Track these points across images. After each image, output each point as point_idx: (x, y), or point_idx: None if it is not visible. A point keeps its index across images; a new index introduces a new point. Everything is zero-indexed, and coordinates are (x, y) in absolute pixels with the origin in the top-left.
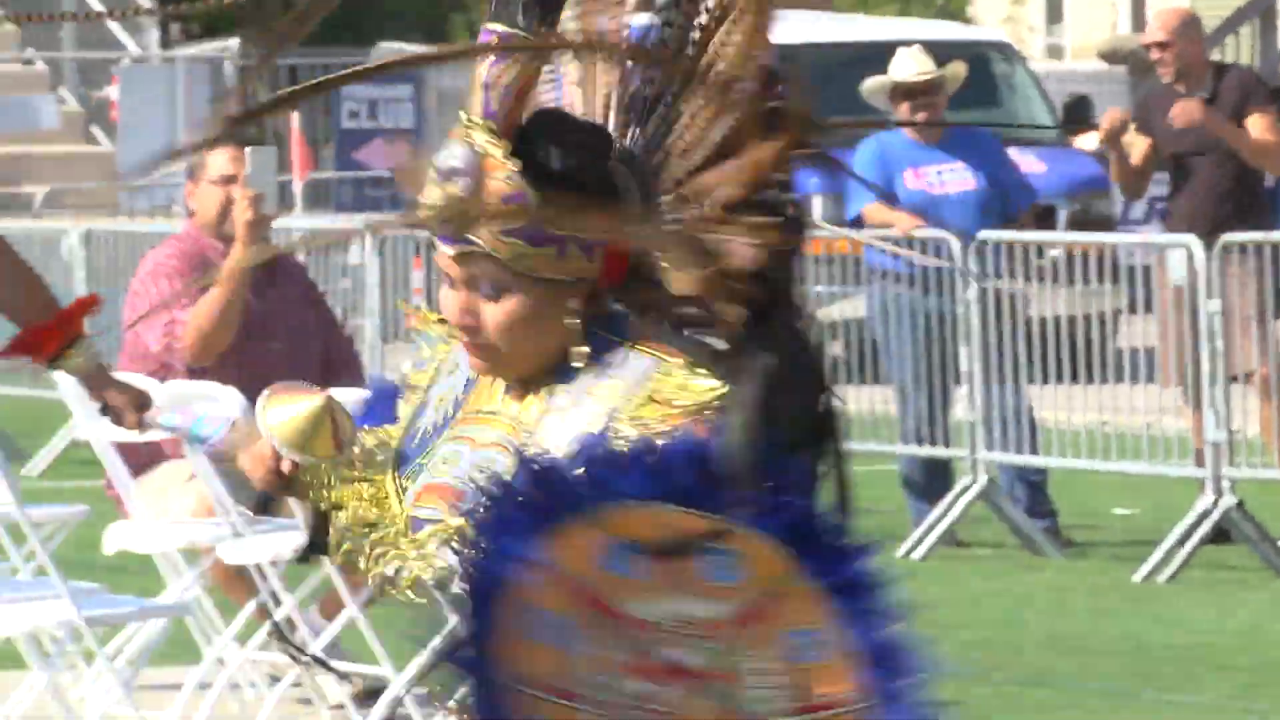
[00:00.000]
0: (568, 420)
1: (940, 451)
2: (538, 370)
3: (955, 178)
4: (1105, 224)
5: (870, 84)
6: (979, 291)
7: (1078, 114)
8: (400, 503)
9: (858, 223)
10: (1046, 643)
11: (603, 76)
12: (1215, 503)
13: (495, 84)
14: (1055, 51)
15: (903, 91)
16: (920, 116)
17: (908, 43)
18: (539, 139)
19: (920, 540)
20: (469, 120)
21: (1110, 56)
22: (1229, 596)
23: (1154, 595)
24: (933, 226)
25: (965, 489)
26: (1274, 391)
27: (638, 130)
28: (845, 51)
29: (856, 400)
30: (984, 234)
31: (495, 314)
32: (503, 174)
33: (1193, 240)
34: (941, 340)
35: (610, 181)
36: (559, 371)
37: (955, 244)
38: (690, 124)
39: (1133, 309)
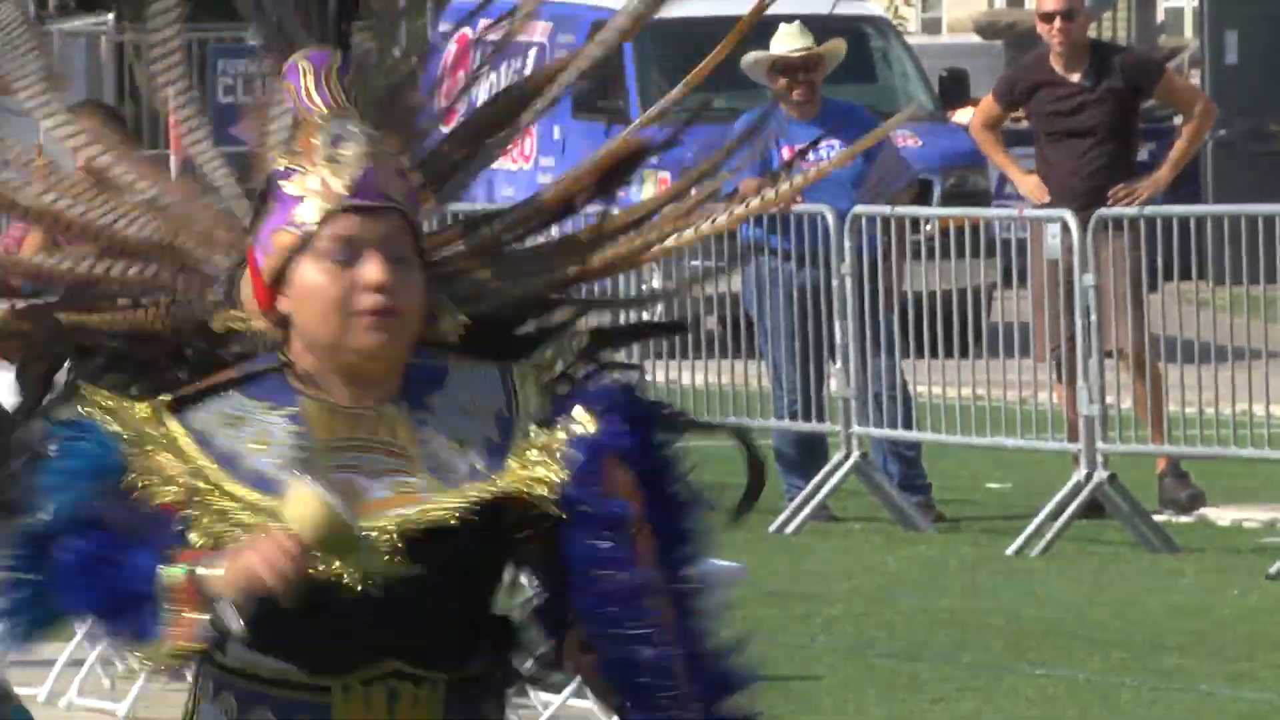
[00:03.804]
0: (452, 436)
1: (814, 426)
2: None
3: (831, 154)
4: (980, 198)
5: (750, 59)
6: (854, 266)
7: (954, 88)
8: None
9: (733, 197)
10: (920, 617)
11: None
12: (1088, 477)
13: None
14: (932, 26)
15: (781, 67)
16: (797, 92)
17: (787, 17)
18: None
19: (794, 515)
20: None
21: (986, 31)
22: (1101, 571)
23: (1027, 569)
24: (808, 202)
25: (839, 463)
26: (1147, 367)
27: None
28: (726, 26)
29: (731, 375)
30: (858, 209)
31: (410, 282)
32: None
33: (1068, 215)
34: (816, 315)
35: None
36: (391, 391)
37: (831, 219)
38: None
39: (1007, 283)
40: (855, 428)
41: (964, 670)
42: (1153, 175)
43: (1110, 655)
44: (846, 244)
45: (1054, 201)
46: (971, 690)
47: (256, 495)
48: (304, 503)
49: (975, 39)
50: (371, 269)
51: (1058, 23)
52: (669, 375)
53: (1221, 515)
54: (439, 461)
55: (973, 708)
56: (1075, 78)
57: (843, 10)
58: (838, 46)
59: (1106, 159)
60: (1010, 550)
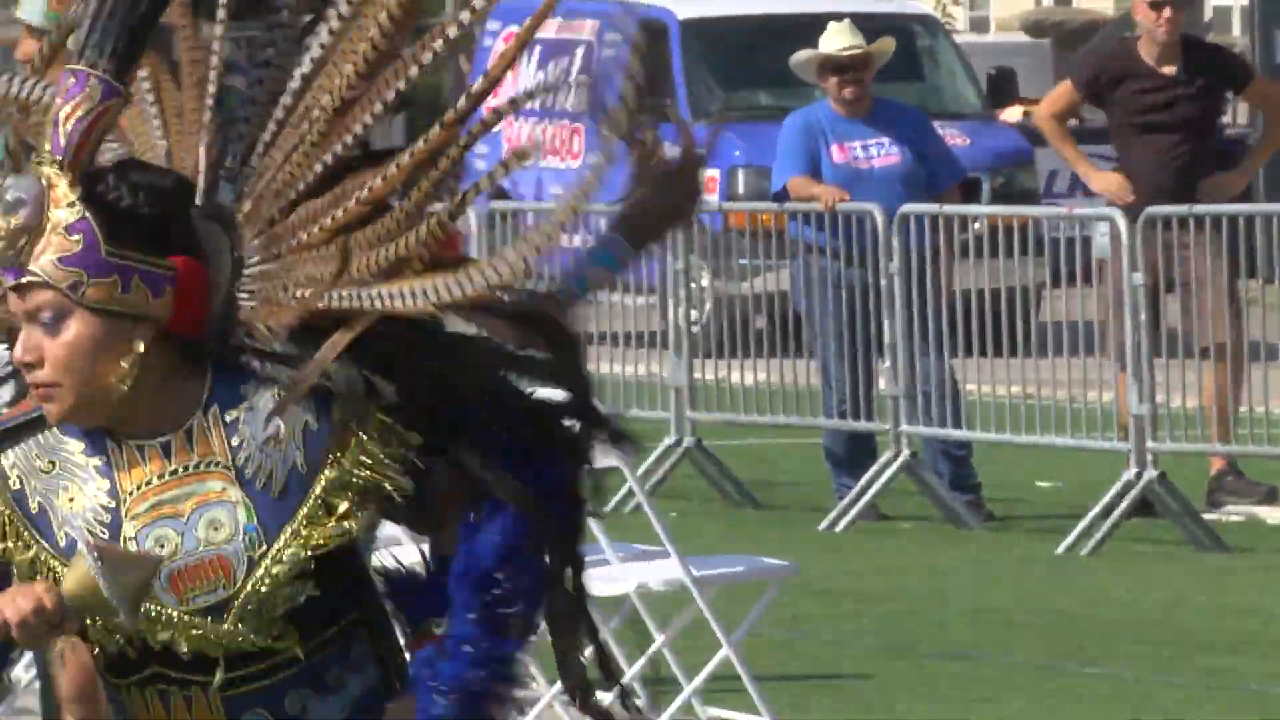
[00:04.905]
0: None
1: (864, 425)
2: (112, 409)
3: (881, 152)
4: (1028, 197)
5: (799, 58)
6: (902, 264)
7: (1002, 87)
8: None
9: (782, 196)
10: (969, 616)
11: (191, 136)
12: (1138, 475)
13: (65, 121)
14: (979, 24)
15: (831, 66)
16: (848, 91)
17: (836, 16)
18: (109, 177)
19: (843, 514)
20: (37, 155)
21: (1033, 29)
22: (1151, 570)
23: (1076, 568)
24: (857, 200)
25: (888, 462)
26: (1229, 360)
27: (227, 183)
28: (774, 24)
29: (780, 374)
30: (907, 207)
31: (53, 347)
32: (66, 205)
33: (1116, 213)
34: (865, 313)
35: (189, 229)
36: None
37: (879, 218)
38: (285, 164)
39: (1055, 282)
40: (905, 426)
41: (1013, 669)
42: (1240, 168)
43: (1160, 654)
44: (895, 243)
45: (1138, 198)
46: (1020, 689)
47: (59, 559)
48: (75, 569)
49: (1023, 37)
50: (16, 348)
51: (1167, 12)
52: (718, 374)
53: (1272, 514)
54: (257, 466)
55: (1021, 706)
56: (1169, 70)
57: (891, 8)
58: (887, 45)
59: (1191, 155)
60: (1060, 549)
